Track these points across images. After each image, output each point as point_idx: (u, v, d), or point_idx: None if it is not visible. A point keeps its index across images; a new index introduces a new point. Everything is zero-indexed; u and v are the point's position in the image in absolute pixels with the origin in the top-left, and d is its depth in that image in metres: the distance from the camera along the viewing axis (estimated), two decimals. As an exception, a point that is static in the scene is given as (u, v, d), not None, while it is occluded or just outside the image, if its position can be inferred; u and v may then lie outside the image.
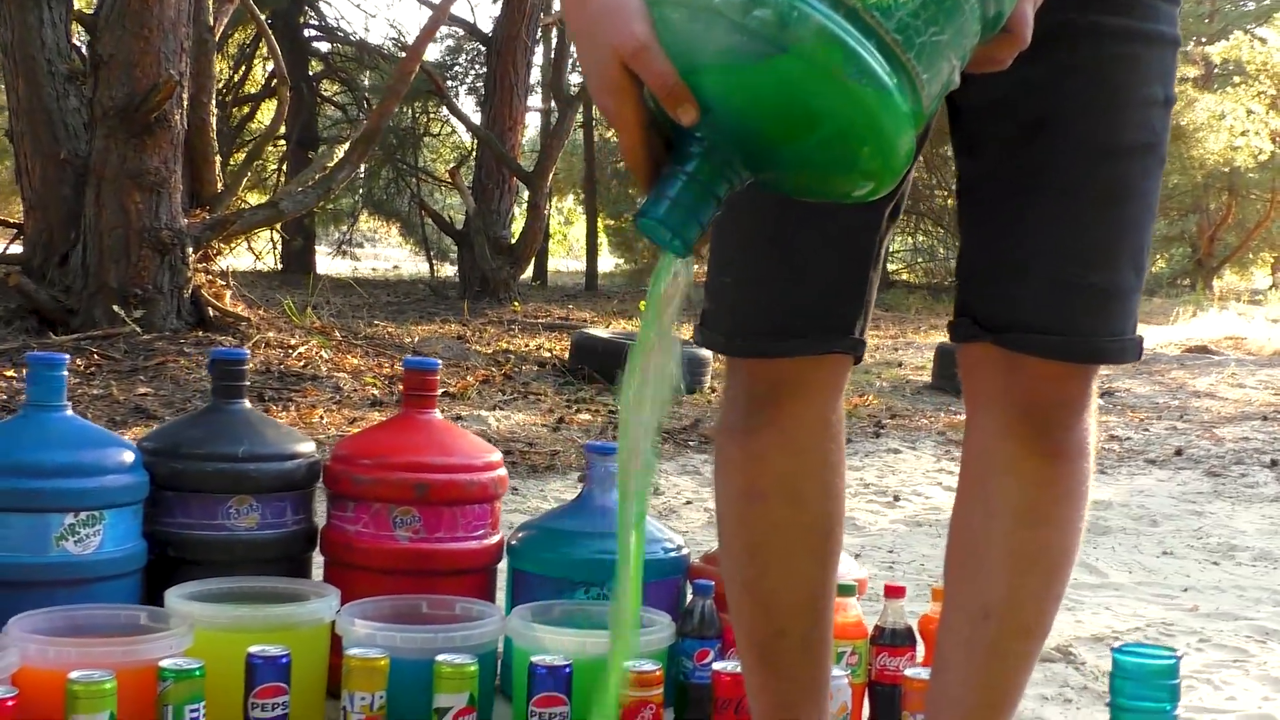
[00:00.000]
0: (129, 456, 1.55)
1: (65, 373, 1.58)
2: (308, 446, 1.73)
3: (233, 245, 6.27)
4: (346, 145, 6.61)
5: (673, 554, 1.71)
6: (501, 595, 1.76)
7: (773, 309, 1.11)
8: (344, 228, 13.26)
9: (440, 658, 1.40)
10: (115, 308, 4.66)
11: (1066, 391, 1.04)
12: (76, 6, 5.58)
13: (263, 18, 7.56)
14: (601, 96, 0.77)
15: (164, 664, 1.28)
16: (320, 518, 1.76)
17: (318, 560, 1.77)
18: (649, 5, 0.76)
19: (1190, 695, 1.92)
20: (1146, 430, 4.90)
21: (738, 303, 1.13)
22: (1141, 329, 1.09)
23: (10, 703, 1.20)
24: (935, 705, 1.11)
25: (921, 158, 1.18)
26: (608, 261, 12.00)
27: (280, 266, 11.39)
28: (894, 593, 1.67)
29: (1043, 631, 1.10)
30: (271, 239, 11.00)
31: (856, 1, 0.72)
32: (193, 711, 1.29)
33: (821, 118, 0.73)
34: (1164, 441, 4.63)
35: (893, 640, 1.61)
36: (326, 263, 13.30)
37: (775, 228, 1.09)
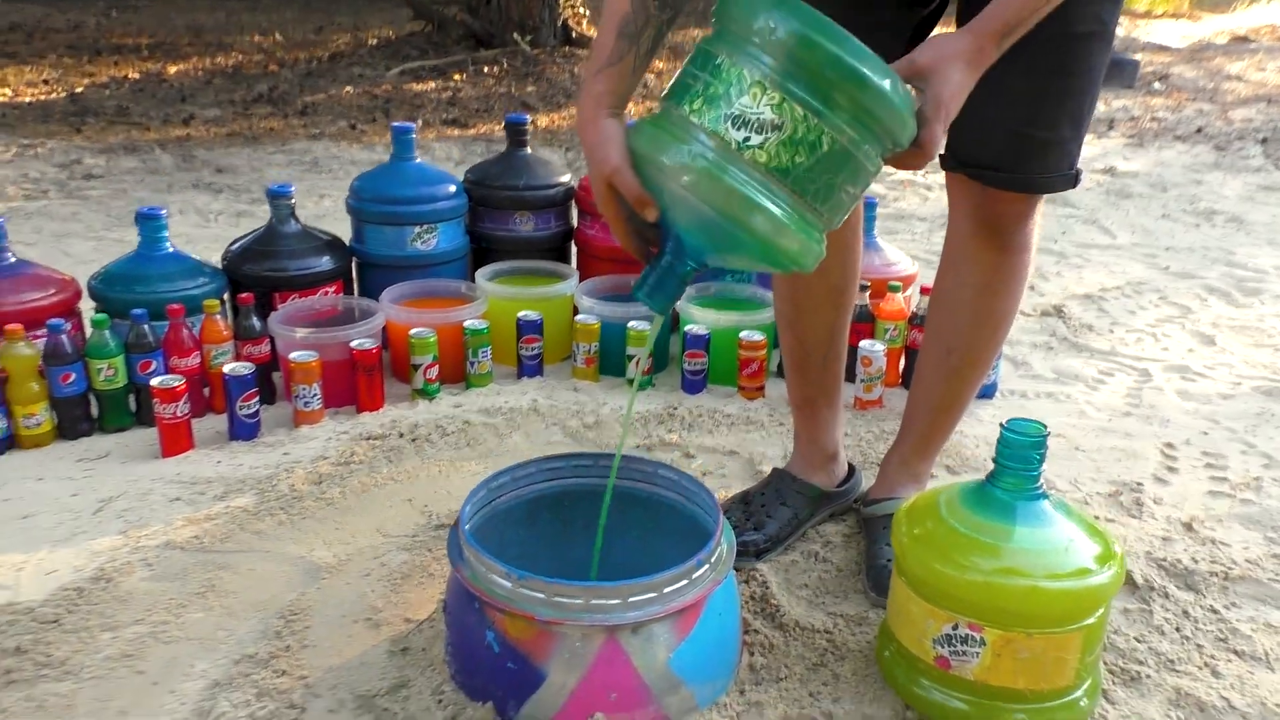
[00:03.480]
0: (453, 188, 2.32)
1: (414, 136, 2.33)
2: (565, 177, 2.46)
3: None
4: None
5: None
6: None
7: None
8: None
9: (630, 324, 2.15)
10: (515, 34, 6.60)
11: (1014, 209, 1.37)
12: None
13: None
14: (597, 199, 1.12)
15: (466, 324, 2.13)
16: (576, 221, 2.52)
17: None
18: (632, 139, 1.03)
19: (1138, 345, 2.49)
20: (1180, 112, 5.71)
21: None
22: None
23: (374, 350, 1.98)
24: (913, 404, 1.57)
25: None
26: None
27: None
28: (926, 291, 2.15)
29: (986, 364, 1.50)
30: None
31: (761, 166, 0.95)
32: (484, 352, 2.14)
33: (740, 240, 1.00)
34: (1190, 121, 5.45)
35: (922, 321, 2.11)
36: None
37: None
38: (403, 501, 1.70)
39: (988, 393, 2.16)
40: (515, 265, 2.37)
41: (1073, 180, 1.35)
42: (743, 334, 2.09)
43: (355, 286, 2.31)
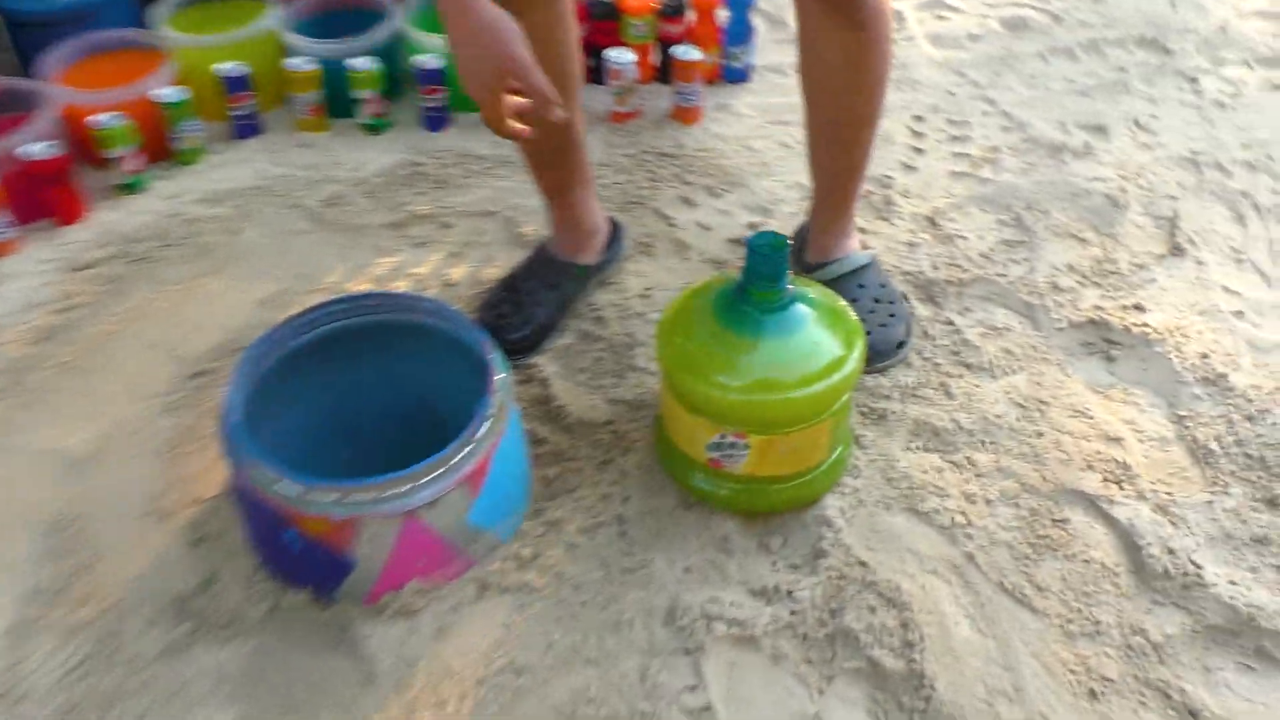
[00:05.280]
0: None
1: None
2: None
3: None
4: None
5: None
6: None
7: None
8: None
9: (347, 63, 1.91)
10: None
11: None
12: None
13: None
14: (480, 92, 1.07)
15: (159, 96, 1.81)
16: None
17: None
18: None
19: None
20: None
21: None
22: None
23: (58, 159, 1.68)
24: (817, 177, 1.53)
25: None
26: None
27: None
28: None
29: (872, 122, 1.46)
30: None
31: None
32: (189, 125, 1.86)
33: None
34: None
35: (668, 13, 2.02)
36: None
37: None
38: (146, 349, 1.57)
39: (740, 76, 2.10)
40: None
41: None
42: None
43: (13, 57, 1.92)
